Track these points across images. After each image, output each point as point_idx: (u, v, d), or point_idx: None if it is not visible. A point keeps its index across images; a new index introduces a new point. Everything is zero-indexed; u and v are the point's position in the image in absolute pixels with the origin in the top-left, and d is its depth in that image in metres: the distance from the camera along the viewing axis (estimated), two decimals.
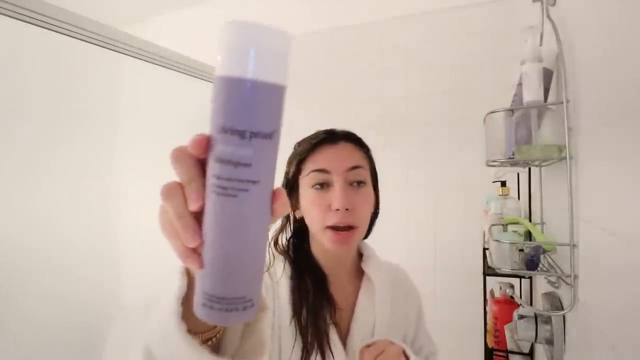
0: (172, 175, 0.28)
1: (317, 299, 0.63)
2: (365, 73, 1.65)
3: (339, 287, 0.67)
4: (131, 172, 1.66)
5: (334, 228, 0.60)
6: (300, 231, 0.70)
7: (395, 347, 0.59)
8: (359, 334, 0.64)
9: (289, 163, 0.68)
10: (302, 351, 0.60)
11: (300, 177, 0.65)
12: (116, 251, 1.44)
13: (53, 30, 1.06)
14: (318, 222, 0.62)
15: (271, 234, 0.70)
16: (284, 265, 0.67)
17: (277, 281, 0.66)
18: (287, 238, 0.71)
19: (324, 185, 0.62)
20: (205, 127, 0.27)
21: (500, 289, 1.11)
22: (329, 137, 0.65)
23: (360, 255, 0.72)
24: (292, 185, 0.67)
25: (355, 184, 0.63)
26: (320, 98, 1.73)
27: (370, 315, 0.66)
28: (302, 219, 0.67)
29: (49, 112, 1.19)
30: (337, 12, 1.71)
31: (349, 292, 0.68)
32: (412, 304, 0.73)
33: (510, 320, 0.94)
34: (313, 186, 0.63)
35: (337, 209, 0.60)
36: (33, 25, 1.01)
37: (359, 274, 0.70)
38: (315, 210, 0.62)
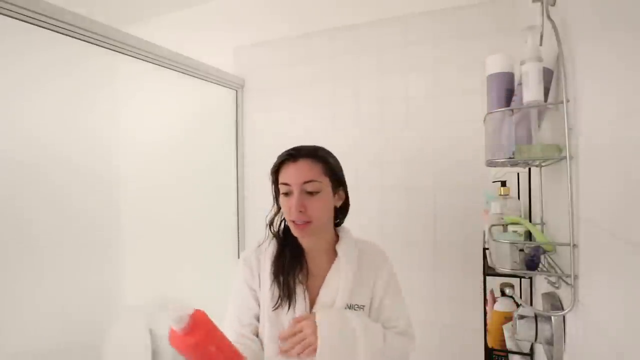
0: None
1: (290, 265, 0.87)
2: (365, 73, 1.65)
3: (315, 261, 0.91)
4: (130, 173, 1.65)
5: (294, 222, 0.84)
6: None
7: (309, 322, 0.82)
8: (326, 295, 0.88)
9: (271, 174, 0.88)
10: (276, 301, 0.85)
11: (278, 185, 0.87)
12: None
13: (53, 30, 1.06)
14: (287, 217, 0.87)
15: (269, 217, 0.93)
16: (271, 243, 0.92)
17: (264, 255, 0.91)
18: (279, 222, 0.93)
19: (288, 194, 0.84)
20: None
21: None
22: (291, 157, 0.85)
23: (337, 237, 0.93)
24: (277, 189, 0.88)
25: (309, 192, 0.83)
26: (320, 98, 1.73)
27: (335, 282, 0.88)
28: None
29: (48, 114, 1.18)
30: (337, 12, 1.71)
31: (324, 266, 0.91)
32: (380, 275, 0.92)
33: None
34: (283, 193, 0.85)
35: (294, 211, 0.83)
36: (33, 25, 1.01)
37: (335, 252, 0.91)
38: (284, 210, 0.86)
